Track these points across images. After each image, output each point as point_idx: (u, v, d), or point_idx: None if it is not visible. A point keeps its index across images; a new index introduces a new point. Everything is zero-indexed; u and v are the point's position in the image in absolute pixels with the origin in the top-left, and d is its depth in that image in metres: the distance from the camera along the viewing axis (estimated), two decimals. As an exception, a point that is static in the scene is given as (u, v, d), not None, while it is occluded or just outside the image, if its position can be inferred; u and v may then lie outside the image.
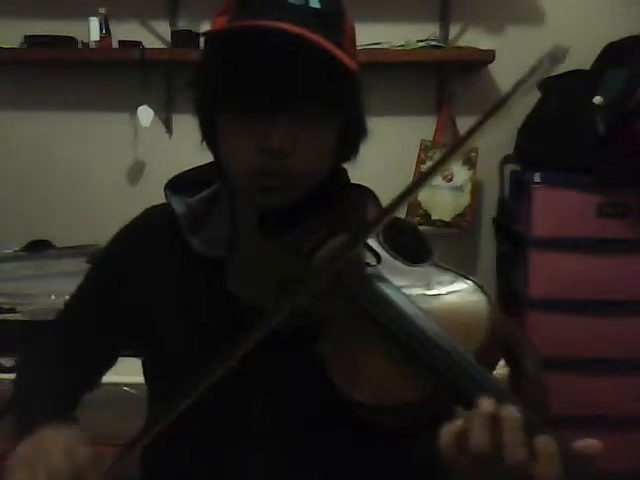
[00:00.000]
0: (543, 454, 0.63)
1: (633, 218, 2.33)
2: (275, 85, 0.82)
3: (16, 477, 0.76)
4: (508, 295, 2.56)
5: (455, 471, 0.68)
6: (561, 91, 2.43)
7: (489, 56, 2.54)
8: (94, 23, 2.56)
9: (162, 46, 2.67)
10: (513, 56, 2.48)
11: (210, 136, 0.92)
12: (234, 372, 0.71)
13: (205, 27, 2.56)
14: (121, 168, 2.77)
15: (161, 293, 0.96)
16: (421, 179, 0.77)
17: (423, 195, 2.59)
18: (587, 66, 2.48)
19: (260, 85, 0.83)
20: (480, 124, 0.71)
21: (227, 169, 0.91)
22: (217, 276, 0.88)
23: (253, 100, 0.84)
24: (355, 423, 0.77)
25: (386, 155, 2.46)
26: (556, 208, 2.36)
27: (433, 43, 2.57)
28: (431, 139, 2.65)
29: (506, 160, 2.67)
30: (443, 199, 2.60)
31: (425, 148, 2.63)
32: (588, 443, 0.64)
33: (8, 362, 1.97)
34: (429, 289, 0.80)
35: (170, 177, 1.02)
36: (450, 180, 2.60)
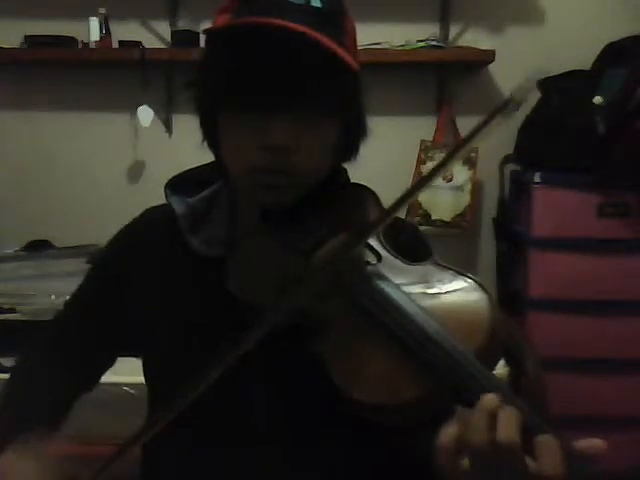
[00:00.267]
0: (545, 453, 0.63)
1: (633, 218, 2.33)
2: (277, 83, 0.82)
3: None
4: (508, 295, 2.56)
5: (450, 476, 0.68)
6: (561, 91, 2.43)
7: (489, 56, 2.54)
8: (94, 23, 2.57)
9: (162, 46, 2.67)
10: (513, 56, 2.49)
11: (211, 135, 0.92)
12: (234, 371, 0.71)
13: (205, 27, 2.55)
14: (121, 168, 2.77)
15: (161, 293, 0.96)
16: (421, 182, 0.77)
17: (423, 195, 2.59)
18: (587, 66, 2.48)
19: (262, 83, 0.83)
20: (484, 124, 0.71)
21: (228, 168, 0.91)
22: (217, 276, 0.88)
23: (255, 98, 0.84)
24: (355, 422, 0.76)
25: (386, 155, 2.46)
26: (556, 208, 2.36)
27: (433, 43, 2.57)
28: (431, 139, 2.65)
29: (506, 160, 2.67)
30: (443, 199, 2.60)
31: (425, 148, 2.63)
32: (592, 442, 0.64)
33: (8, 362, 1.97)
34: (429, 288, 0.80)
35: (170, 177, 1.02)
36: (450, 180, 2.60)
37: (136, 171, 2.77)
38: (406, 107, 2.71)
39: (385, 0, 2.66)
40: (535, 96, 2.50)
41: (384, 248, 0.87)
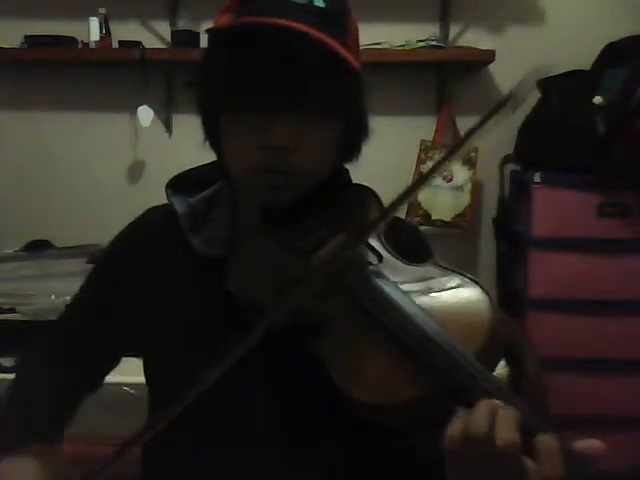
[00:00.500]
0: (544, 454, 0.63)
1: (633, 218, 2.33)
2: (280, 83, 0.82)
3: None
4: (508, 295, 2.56)
5: (457, 473, 0.68)
6: (561, 91, 2.43)
7: (489, 56, 2.54)
8: (94, 23, 2.57)
9: (162, 46, 2.67)
10: (513, 56, 2.49)
11: (212, 135, 0.92)
12: (235, 371, 0.71)
13: (205, 27, 2.55)
14: (121, 168, 2.77)
15: (162, 293, 0.96)
16: (419, 181, 0.77)
17: (423, 195, 2.59)
18: (587, 66, 2.48)
19: (265, 83, 0.83)
20: (481, 124, 0.71)
21: (230, 168, 0.91)
22: (218, 276, 0.88)
23: (257, 98, 0.84)
24: (355, 422, 0.76)
25: (386, 155, 2.46)
26: (556, 208, 2.36)
27: (433, 43, 2.57)
28: (431, 139, 2.65)
29: (506, 160, 2.67)
30: (443, 199, 2.60)
31: (425, 148, 2.63)
32: (590, 443, 0.64)
33: (8, 362, 1.97)
34: (430, 288, 0.80)
35: (170, 177, 1.01)
36: (450, 180, 2.60)
37: (136, 171, 2.77)
38: (406, 107, 2.71)
39: (385, 0, 2.66)
40: (535, 96, 2.50)
41: (385, 248, 0.87)
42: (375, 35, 2.52)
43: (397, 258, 0.86)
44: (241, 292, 0.86)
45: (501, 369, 1.96)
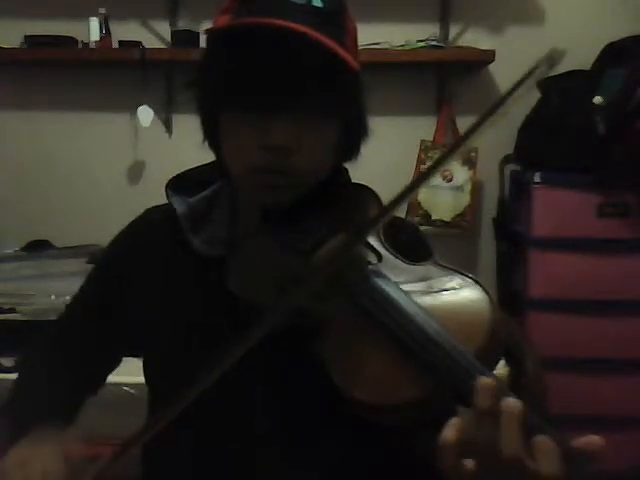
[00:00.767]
0: (542, 454, 0.63)
1: (633, 218, 2.33)
2: (278, 83, 0.83)
3: (11, 477, 0.76)
4: (508, 295, 2.56)
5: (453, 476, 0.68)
6: (561, 91, 2.43)
7: (489, 56, 2.54)
8: (94, 23, 2.57)
9: (162, 46, 2.67)
10: (513, 56, 2.48)
11: (212, 135, 0.92)
12: (235, 371, 0.71)
13: (205, 27, 2.56)
14: (121, 168, 2.77)
15: (162, 293, 0.96)
16: (419, 179, 0.77)
17: (423, 195, 2.59)
18: (587, 66, 2.48)
19: (263, 83, 0.83)
20: (478, 124, 0.71)
21: (229, 168, 0.91)
22: (218, 275, 0.88)
23: (256, 98, 0.84)
24: (355, 422, 0.76)
25: (386, 155, 2.46)
26: (556, 208, 2.36)
27: (433, 43, 2.57)
28: (431, 139, 2.65)
29: (506, 160, 2.67)
30: (443, 199, 2.60)
31: (425, 148, 2.63)
32: (590, 439, 0.64)
33: (8, 362, 1.97)
34: (430, 288, 0.79)
35: (170, 177, 1.01)
36: (450, 180, 2.60)
37: (136, 171, 2.77)
38: (406, 107, 2.71)
39: (385, 0, 2.66)
40: (535, 96, 2.50)
41: (385, 248, 0.87)
42: (375, 35, 2.52)
43: (397, 258, 0.86)
44: (241, 292, 0.86)
45: (501, 369, 1.97)
